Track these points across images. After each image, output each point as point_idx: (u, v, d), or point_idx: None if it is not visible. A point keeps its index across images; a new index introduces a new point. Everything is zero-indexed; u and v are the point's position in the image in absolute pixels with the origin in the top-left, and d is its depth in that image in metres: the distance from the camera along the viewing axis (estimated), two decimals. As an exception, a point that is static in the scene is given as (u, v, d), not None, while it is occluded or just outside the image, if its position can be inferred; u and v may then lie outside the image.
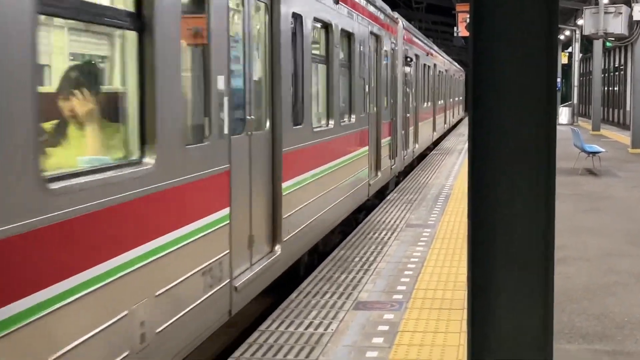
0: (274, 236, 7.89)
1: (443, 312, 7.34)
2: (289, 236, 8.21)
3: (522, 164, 3.17)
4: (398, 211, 13.37)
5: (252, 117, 7.27)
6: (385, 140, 15.51)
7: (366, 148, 13.28)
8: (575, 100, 46.06)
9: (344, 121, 11.65)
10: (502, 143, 3.16)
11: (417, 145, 22.38)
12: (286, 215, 8.11)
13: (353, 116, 12.16)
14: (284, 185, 8.06)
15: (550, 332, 3.25)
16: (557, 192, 3.25)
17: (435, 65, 30.46)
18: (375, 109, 14.63)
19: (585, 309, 7.84)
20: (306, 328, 6.93)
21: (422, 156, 24.84)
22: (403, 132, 18.90)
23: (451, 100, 41.42)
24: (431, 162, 22.50)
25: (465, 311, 7.16)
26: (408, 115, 20.05)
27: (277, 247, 7.90)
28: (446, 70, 37.34)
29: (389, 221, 12.36)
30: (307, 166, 9.22)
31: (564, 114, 43.93)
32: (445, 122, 36.19)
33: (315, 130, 9.64)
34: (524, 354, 3.25)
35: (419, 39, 24.87)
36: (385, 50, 16.17)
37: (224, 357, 6.72)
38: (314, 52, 9.98)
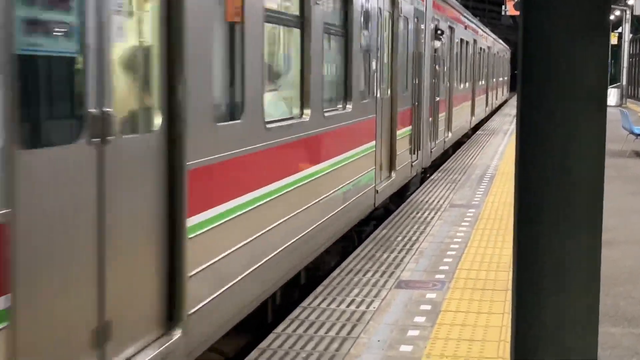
0: (171, 312, 4.86)
1: (486, 293, 7.31)
2: (201, 305, 5.13)
3: (571, 144, 3.13)
4: (442, 191, 13.31)
5: (110, 110, 4.18)
6: (403, 132, 12.31)
7: (372, 144, 10.25)
8: (624, 81, 45.36)
9: (333, 110, 8.62)
10: (550, 122, 3.12)
11: (449, 134, 19.47)
12: (195, 272, 5.03)
13: (349, 103, 9.06)
14: (192, 221, 4.96)
15: (596, 316, 3.21)
16: (604, 173, 3.21)
17: (475, 40, 26.84)
18: (388, 92, 11.53)
19: (630, 293, 7.75)
20: (348, 305, 6.95)
21: (458, 144, 22.07)
22: (431, 119, 15.70)
23: (494, 80, 37.56)
24: (476, 142, 22.33)
25: (509, 292, 7.15)
26: (438, 98, 16.89)
27: (177, 331, 4.82)
28: (489, 47, 33.57)
29: (432, 201, 12.31)
30: (250, 184, 6.04)
31: (612, 95, 43.29)
32: (486, 105, 32.77)
33: (270, 126, 6.42)
34: (569, 337, 3.23)
35: (455, 9, 20.86)
36: (405, 17, 12.60)
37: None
38: (270, 7, 6.75)
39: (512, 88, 52.92)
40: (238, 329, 6.28)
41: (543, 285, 3.22)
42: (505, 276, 7.81)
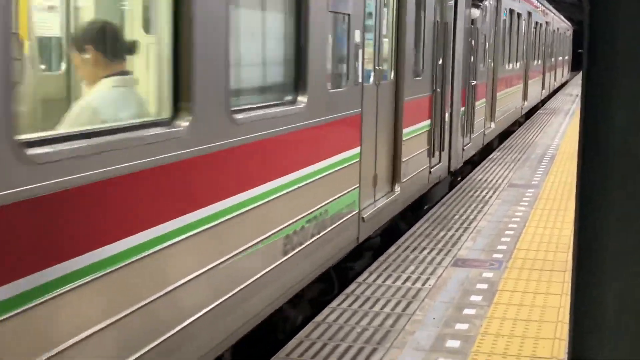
0: None
1: (544, 273, 7.23)
2: None
3: (637, 124, 3.07)
4: (501, 170, 13.18)
5: None
6: (415, 128, 9.24)
7: (353, 152, 7.07)
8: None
9: (260, 109, 5.33)
10: (617, 102, 3.06)
11: (492, 125, 16.20)
12: None
13: (302, 96, 5.90)
14: None
15: (657, 298, 3.16)
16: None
17: (529, 13, 22.74)
18: (391, 75, 8.52)
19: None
20: (404, 282, 6.94)
21: (505, 134, 18.72)
22: (463, 108, 12.43)
23: (553, 60, 33.37)
24: (537, 122, 22.04)
25: (567, 273, 7.08)
26: (474, 82, 13.36)
27: None
28: (547, 23, 29.23)
29: (491, 180, 12.20)
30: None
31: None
32: (543, 88, 28.66)
33: (71, 149, 3.40)
34: (629, 320, 3.18)
35: None
36: None
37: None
38: None
39: (574, 68, 51.82)
40: (293, 303, 6.33)
41: (603, 268, 3.17)
42: (564, 257, 7.72)
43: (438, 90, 10.20)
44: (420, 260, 7.63)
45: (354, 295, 6.57)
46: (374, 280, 6.99)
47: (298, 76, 5.94)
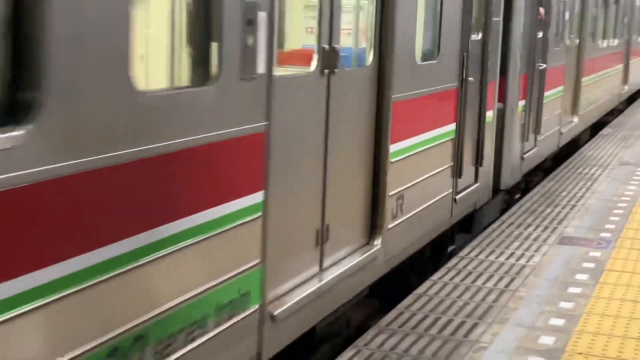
0: None
1: (654, 255, 7.02)
2: None
3: None
4: (611, 147, 12.81)
5: None
6: (422, 140, 6.32)
7: (247, 203, 4.02)
8: None
9: None
10: None
11: (574, 119, 12.87)
12: None
13: (21, 123, 2.62)
14: None
15: None
16: None
17: None
18: (370, 57, 5.55)
19: None
20: (507, 258, 6.84)
21: (597, 125, 15.27)
22: (522, 102, 9.38)
23: None
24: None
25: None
26: (543, 66, 10.12)
27: None
28: None
29: (601, 157, 11.87)
30: None
31: None
32: None
33: None
34: None
35: None
36: None
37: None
38: None
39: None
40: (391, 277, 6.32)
41: None
42: (675, 238, 7.47)
43: (471, 79, 7.21)
44: (525, 237, 7.50)
45: (456, 269, 6.52)
46: (477, 255, 6.91)
47: (20, 71, 2.71)
